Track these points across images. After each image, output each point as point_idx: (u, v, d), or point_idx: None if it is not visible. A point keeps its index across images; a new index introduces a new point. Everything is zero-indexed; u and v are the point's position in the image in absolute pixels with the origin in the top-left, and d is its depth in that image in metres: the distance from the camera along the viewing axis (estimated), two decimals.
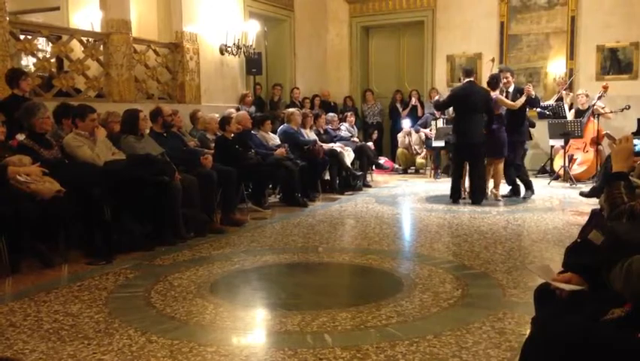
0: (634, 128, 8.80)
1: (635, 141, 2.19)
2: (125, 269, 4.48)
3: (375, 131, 11.56)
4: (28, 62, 7.78)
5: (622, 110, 8.85)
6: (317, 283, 4.36)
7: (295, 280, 4.39)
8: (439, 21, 11.38)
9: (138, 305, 3.66)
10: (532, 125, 9.16)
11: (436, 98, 8.30)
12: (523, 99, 7.42)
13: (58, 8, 9.43)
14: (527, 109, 7.77)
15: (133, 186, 5.02)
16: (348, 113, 10.63)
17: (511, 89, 7.67)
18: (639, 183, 2.30)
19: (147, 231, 5.20)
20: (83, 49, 7.27)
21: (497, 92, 7.50)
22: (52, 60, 7.33)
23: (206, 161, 6.12)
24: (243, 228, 6.05)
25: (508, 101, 7.48)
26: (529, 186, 7.73)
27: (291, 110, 8.67)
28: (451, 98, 7.43)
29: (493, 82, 7.55)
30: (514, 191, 7.76)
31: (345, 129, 9.97)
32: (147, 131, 5.96)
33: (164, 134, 6.22)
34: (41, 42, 7.58)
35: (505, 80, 7.62)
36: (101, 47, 7.42)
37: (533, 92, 7.49)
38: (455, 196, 7.47)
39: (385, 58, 12.41)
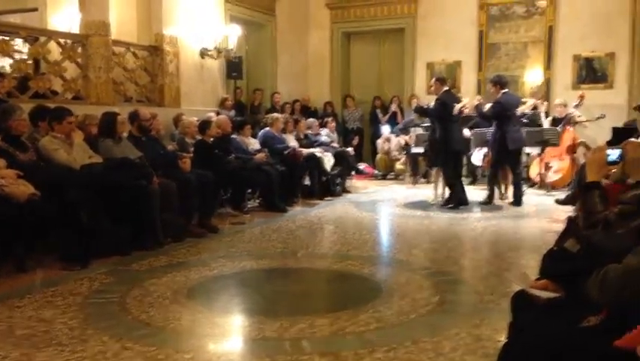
0: (609, 137, 8.94)
1: (610, 151, 2.21)
2: (100, 274, 4.41)
3: (356, 137, 11.59)
4: (4, 63, 7.65)
5: (597, 118, 9.01)
6: (296, 289, 4.35)
7: (274, 286, 4.37)
8: (419, 28, 11.44)
9: (113, 311, 3.61)
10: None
11: (417, 104, 8.28)
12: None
13: (36, 9, 9.30)
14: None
15: (110, 189, 4.96)
16: (329, 119, 10.64)
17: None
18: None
19: (124, 235, 5.13)
20: (60, 50, 7.18)
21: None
22: (29, 62, 7.21)
23: (185, 165, 6.07)
24: (221, 233, 6.01)
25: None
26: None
27: (276, 115, 8.66)
28: (443, 107, 7.36)
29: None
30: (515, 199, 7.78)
31: (325, 135, 9.97)
32: (125, 134, 5.90)
33: (142, 138, 6.15)
34: (18, 43, 7.45)
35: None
36: (80, 49, 7.32)
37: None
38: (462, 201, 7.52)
39: (366, 64, 12.43)
